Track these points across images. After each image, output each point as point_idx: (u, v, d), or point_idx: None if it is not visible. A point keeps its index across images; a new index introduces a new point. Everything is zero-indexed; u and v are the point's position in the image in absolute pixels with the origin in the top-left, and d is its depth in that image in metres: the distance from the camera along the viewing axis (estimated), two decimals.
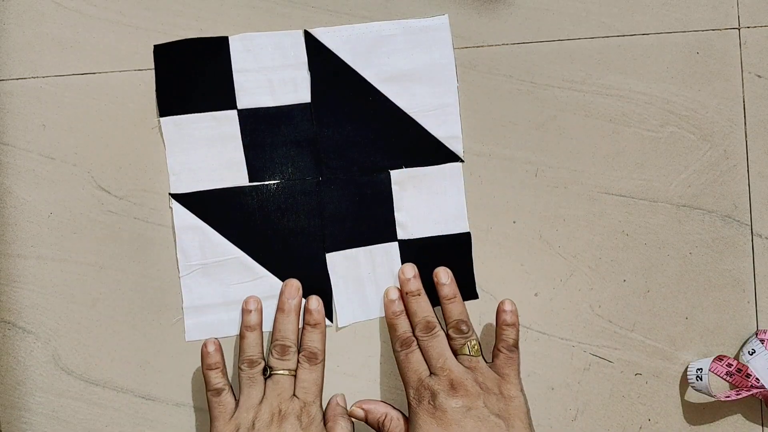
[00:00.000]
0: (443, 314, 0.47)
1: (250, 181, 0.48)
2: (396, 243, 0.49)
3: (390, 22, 0.48)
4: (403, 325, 0.47)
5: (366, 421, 0.48)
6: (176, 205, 0.48)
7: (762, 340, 0.49)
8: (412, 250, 0.49)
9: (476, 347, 0.46)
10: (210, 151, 0.48)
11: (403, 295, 0.48)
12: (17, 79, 0.48)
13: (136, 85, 0.49)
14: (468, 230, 0.49)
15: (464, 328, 0.46)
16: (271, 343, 0.47)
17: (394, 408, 0.48)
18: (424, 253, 0.49)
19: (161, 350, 0.49)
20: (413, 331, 0.47)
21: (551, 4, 0.50)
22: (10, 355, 0.48)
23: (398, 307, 0.48)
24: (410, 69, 0.48)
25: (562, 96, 0.50)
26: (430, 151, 0.49)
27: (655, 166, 0.51)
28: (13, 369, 0.48)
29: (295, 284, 0.48)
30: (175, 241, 0.48)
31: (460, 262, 0.49)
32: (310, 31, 0.48)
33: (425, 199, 0.49)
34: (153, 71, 0.49)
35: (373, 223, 0.49)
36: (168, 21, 0.49)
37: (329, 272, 0.49)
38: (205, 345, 0.46)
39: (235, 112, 0.48)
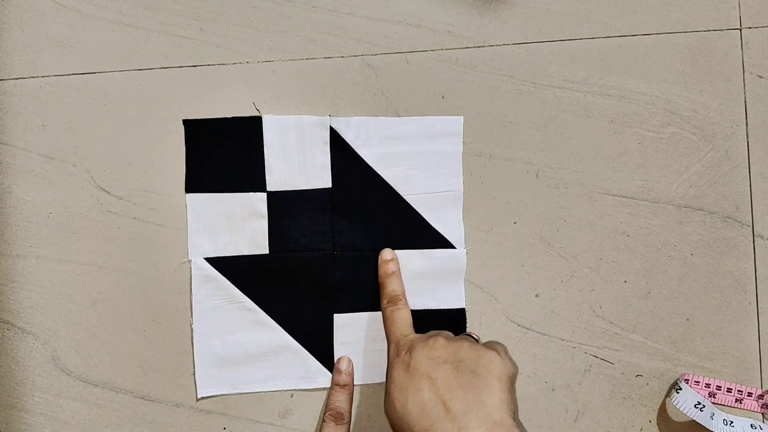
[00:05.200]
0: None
1: (269, 252, 0.49)
2: None
3: (407, 118, 0.49)
4: (393, 284, 0.48)
5: None
6: (196, 259, 0.49)
7: (686, 380, 0.49)
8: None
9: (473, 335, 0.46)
10: (233, 224, 0.49)
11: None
12: (17, 79, 0.48)
13: (136, 85, 0.49)
14: (463, 306, 0.50)
15: None
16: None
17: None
18: (419, 323, 0.49)
19: (161, 351, 0.49)
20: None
21: (552, 4, 0.50)
22: (9, 356, 0.48)
23: (392, 267, 0.49)
24: (416, 157, 0.50)
25: (563, 96, 0.50)
26: (432, 239, 0.50)
27: (657, 167, 0.50)
28: (12, 369, 0.48)
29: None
30: (191, 289, 0.49)
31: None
32: (331, 124, 0.49)
33: (425, 276, 0.50)
34: (152, 71, 0.48)
35: (376, 292, 0.49)
36: (168, 21, 0.49)
37: (334, 332, 0.49)
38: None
39: (264, 194, 0.49)
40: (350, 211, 0.49)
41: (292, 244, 0.49)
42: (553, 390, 0.50)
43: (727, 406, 0.50)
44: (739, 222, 0.51)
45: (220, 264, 0.49)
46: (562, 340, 0.50)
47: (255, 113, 0.49)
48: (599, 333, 0.50)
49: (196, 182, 0.49)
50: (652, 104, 0.50)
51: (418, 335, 0.45)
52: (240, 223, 0.49)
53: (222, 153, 0.49)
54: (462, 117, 0.50)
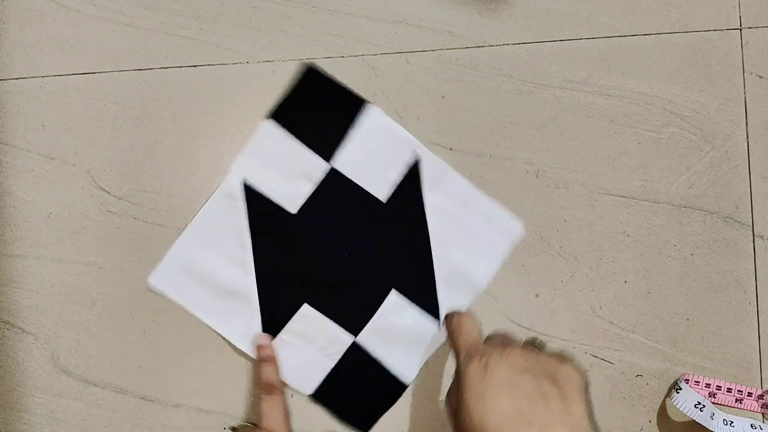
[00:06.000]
0: None
1: (296, 214, 0.49)
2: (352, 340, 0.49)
3: (482, 194, 0.49)
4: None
5: None
6: (234, 175, 0.48)
7: (686, 380, 0.49)
8: (356, 357, 0.49)
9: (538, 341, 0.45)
10: (285, 171, 0.49)
11: None
12: (17, 79, 0.48)
13: (136, 85, 0.49)
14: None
15: None
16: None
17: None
18: (363, 368, 0.49)
19: (160, 351, 0.49)
20: None
21: (552, 4, 0.50)
22: (9, 356, 0.48)
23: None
24: (466, 231, 0.49)
25: (563, 96, 0.50)
26: (427, 302, 0.49)
27: (657, 167, 0.50)
28: (12, 369, 0.48)
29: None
30: (210, 195, 0.48)
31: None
32: (419, 152, 0.49)
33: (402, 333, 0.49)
34: (152, 71, 0.49)
35: (359, 315, 0.49)
36: (168, 21, 0.49)
37: (293, 316, 0.49)
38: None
39: (327, 166, 0.49)
40: (383, 232, 0.49)
41: (319, 225, 0.49)
42: None
43: (727, 406, 0.50)
44: (739, 222, 0.51)
45: (250, 194, 0.48)
46: (563, 340, 0.50)
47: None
48: (599, 333, 0.50)
49: (281, 115, 0.49)
50: (651, 104, 0.50)
51: (491, 343, 0.43)
52: (290, 175, 0.49)
53: (319, 109, 0.49)
54: (522, 226, 0.50)
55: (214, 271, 0.48)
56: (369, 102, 0.49)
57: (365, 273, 0.49)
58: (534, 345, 0.44)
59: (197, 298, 0.48)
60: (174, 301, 0.48)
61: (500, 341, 0.43)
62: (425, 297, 0.49)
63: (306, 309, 0.49)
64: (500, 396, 0.39)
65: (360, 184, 0.49)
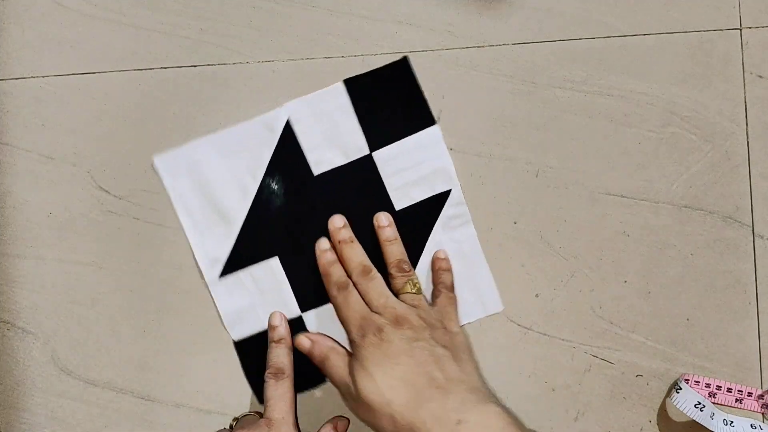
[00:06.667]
0: (384, 257, 0.48)
1: (315, 176, 0.49)
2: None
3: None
4: (337, 271, 0.47)
5: (311, 354, 0.47)
6: (283, 109, 0.49)
7: (686, 380, 0.49)
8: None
9: (418, 285, 0.47)
10: (334, 132, 0.49)
11: (335, 244, 0.48)
12: (17, 78, 0.48)
13: (136, 85, 0.49)
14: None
15: (406, 267, 0.47)
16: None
17: (341, 346, 0.47)
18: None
19: (161, 350, 0.49)
20: (350, 277, 0.47)
21: (552, 4, 0.50)
22: (9, 356, 0.48)
23: (331, 256, 0.48)
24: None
25: (563, 96, 0.50)
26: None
27: (657, 167, 0.50)
28: (12, 369, 0.48)
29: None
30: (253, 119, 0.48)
31: None
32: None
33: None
34: (152, 71, 0.49)
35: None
36: (168, 21, 0.49)
37: (250, 268, 0.49)
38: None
39: (368, 151, 0.49)
40: None
41: (329, 198, 0.49)
42: (553, 390, 0.50)
43: (727, 406, 0.50)
44: (739, 222, 0.51)
45: (287, 135, 0.49)
46: (563, 340, 0.50)
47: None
48: (599, 333, 0.50)
49: (355, 85, 0.49)
50: (652, 104, 0.50)
51: (378, 315, 0.44)
52: (331, 140, 0.49)
53: (391, 100, 0.49)
54: (502, 307, 0.50)
55: (216, 183, 0.49)
56: (437, 121, 0.49)
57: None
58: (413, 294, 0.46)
59: (187, 198, 0.49)
60: (165, 188, 0.48)
61: (390, 314, 0.44)
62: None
63: (274, 262, 0.49)
64: (399, 363, 0.42)
65: (385, 184, 0.49)
